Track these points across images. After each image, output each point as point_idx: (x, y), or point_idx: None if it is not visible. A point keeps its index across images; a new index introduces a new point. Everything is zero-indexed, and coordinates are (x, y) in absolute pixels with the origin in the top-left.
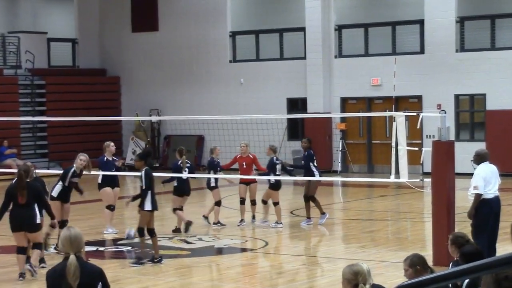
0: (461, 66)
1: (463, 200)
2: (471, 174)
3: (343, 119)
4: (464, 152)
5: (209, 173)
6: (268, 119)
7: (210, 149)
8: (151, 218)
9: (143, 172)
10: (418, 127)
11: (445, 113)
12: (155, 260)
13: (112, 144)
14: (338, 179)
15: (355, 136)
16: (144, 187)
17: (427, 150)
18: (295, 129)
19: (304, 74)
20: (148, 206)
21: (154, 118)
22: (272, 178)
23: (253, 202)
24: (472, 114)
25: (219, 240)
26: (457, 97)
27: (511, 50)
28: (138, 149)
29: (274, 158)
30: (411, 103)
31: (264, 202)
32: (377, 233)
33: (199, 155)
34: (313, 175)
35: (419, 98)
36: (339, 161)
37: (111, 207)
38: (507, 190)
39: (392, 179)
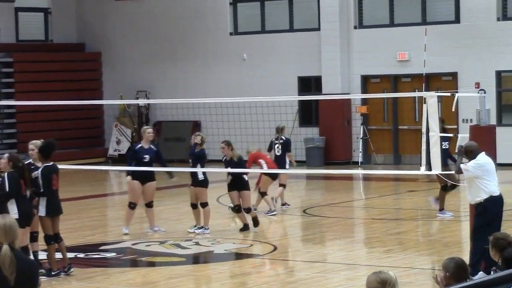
0: (504, 37)
1: (507, 195)
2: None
3: (364, 101)
4: (508, 139)
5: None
6: (276, 102)
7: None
8: (50, 223)
9: (39, 170)
10: (453, 109)
11: (485, 92)
12: (52, 273)
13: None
14: (359, 171)
15: (379, 121)
16: (42, 190)
17: (463, 136)
18: (308, 113)
19: (318, 48)
20: (42, 211)
21: (142, 102)
22: (200, 170)
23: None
24: None
25: (219, 245)
26: (498, 74)
27: None
28: (123, 137)
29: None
30: (444, 81)
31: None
32: (405, 235)
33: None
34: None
35: (454, 75)
36: (360, 150)
37: (131, 205)
38: None
39: (422, 171)
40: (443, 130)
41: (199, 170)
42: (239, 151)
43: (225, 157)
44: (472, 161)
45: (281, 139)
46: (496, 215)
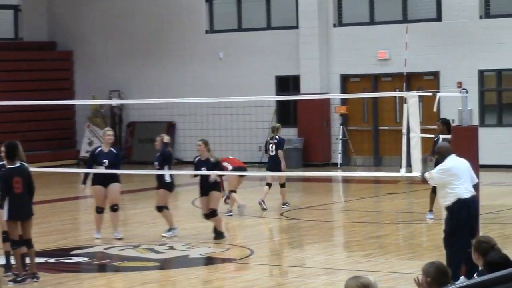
0: (487, 36)
1: (489, 197)
2: (498, 166)
3: (343, 101)
4: (491, 140)
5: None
6: (253, 102)
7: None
8: (14, 227)
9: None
10: (434, 109)
11: (467, 92)
12: (18, 279)
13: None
14: (338, 173)
15: (359, 121)
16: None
17: (445, 137)
18: (286, 114)
19: (296, 47)
20: (5, 214)
21: (115, 102)
22: (167, 172)
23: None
24: (499, 93)
25: (194, 249)
26: (481, 73)
27: None
28: (96, 139)
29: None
30: (426, 81)
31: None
32: (385, 238)
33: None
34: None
35: (436, 74)
36: (340, 152)
37: (98, 210)
38: None
39: (403, 173)
40: (448, 132)
41: (176, 172)
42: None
43: (198, 157)
44: (437, 168)
45: (275, 138)
46: (466, 218)
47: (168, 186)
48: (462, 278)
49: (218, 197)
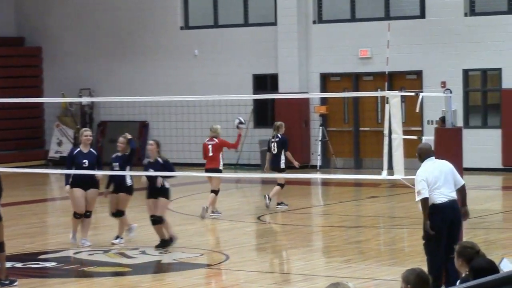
0: (472, 34)
1: (474, 201)
2: (483, 169)
3: (323, 101)
4: (475, 142)
5: None
6: (229, 101)
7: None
8: None
9: None
10: (417, 110)
11: (451, 92)
12: (5, 283)
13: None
14: (318, 176)
15: (339, 122)
16: None
17: (428, 139)
18: (263, 114)
19: (274, 45)
20: None
21: (85, 100)
22: (128, 173)
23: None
24: (484, 94)
25: (167, 254)
26: (466, 72)
27: None
28: (65, 138)
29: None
30: (408, 80)
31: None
32: (365, 243)
33: (142, 146)
34: None
35: (419, 74)
36: (319, 153)
37: (76, 216)
38: None
39: (384, 176)
40: None
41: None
42: (190, 153)
43: (149, 159)
44: (417, 180)
45: (277, 137)
46: (440, 224)
47: (130, 190)
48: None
49: (165, 204)
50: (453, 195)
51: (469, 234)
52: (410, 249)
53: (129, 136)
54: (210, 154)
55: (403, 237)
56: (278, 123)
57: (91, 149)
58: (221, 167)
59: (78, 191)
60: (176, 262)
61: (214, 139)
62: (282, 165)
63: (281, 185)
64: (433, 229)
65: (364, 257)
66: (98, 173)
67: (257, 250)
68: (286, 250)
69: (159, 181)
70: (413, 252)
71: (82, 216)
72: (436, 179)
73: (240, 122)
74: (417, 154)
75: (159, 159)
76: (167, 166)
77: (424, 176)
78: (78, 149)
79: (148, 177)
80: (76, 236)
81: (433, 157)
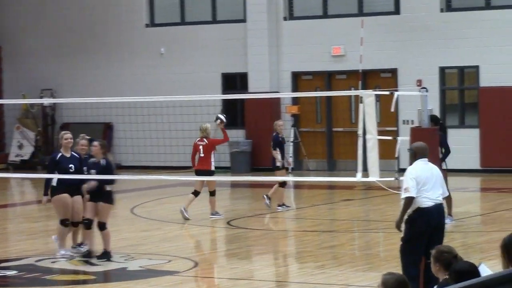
0: (448, 30)
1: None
2: (461, 171)
3: (295, 101)
4: (452, 142)
5: None
6: (197, 101)
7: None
8: None
9: None
10: (392, 110)
11: (427, 91)
12: None
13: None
14: (290, 178)
15: (311, 122)
16: None
17: (404, 139)
18: (232, 114)
19: (244, 42)
20: None
21: (47, 101)
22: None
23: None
24: (462, 92)
25: (133, 261)
26: (442, 70)
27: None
28: (26, 141)
29: None
30: (383, 78)
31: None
32: (340, 248)
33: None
34: None
35: (394, 72)
36: (291, 155)
37: (65, 222)
38: (503, 190)
39: (359, 178)
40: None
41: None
42: (158, 156)
43: (93, 160)
44: (407, 177)
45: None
46: (425, 228)
47: (109, 198)
48: None
49: (106, 209)
50: (440, 200)
51: (447, 237)
52: (386, 253)
53: (87, 137)
54: (202, 154)
55: (378, 242)
56: (280, 121)
57: (73, 153)
58: (213, 168)
59: (67, 197)
60: (142, 269)
61: (204, 139)
62: (277, 163)
63: (282, 184)
64: (415, 231)
65: (338, 263)
66: (78, 177)
67: (227, 256)
68: (258, 255)
69: (89, 186)
70: (389, 257)
71: (70, 223)
72: (427, 181)
73: (221, 121)
74: (410, 152)
75: (102, 161)
76: (108, 168)
77: (415, 174)
78: (60, 153)
79: (88, 179)
80: (65, 244)
81: (426, 159)
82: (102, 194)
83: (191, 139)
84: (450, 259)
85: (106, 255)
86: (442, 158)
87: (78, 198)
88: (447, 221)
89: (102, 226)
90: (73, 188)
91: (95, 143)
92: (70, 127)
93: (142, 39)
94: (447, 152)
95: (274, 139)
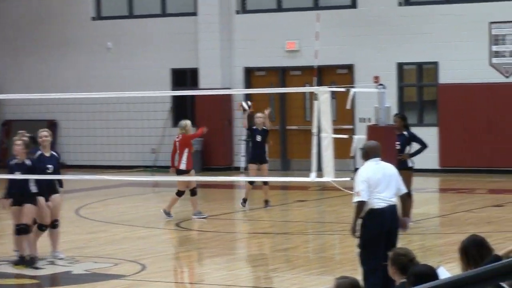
0: (406, 25)
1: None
2: (420, 170)
3: (247, 98)
4: None
5: None
6: (146, 98)
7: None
8: None
9: None
10: (348, 107)
11: (385, 88)
12: None
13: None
14: (242, 178)
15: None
16: None
17: (360, 138)
18: (182, 111)
19: (194, 36)
20: None
21: None
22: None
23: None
24: (420, 89)
25: (78, 264)
26: (400, 66)
27: (473, 3)
28: None
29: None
30: (339, 75)
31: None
32: (293, 251)
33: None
34: None
35: (350, 68)
36: (243, 154)
37: (43, 228)
38: (463, 190)
39: (313, 178)
40: (406, 128)
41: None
42: (103, 155)
43: (15, 160)
44: (358, 180)
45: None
46: (379, 231)
47: (35, 200)
48: None
49: (30, 211)
50: (394, 201)
51: (404, 240)
52: (341, 256)
53: (27, 134)
54: (177, 151)
55: (333, 244)
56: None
57: (53, 152)
58: (182, 167)
59: (43, 200)
60: (87, 273)
61: (181, 135)
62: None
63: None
64: (369, 235)
65: (291, 266)
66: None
67: (176, 260)
68: (208, 259)
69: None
70: (345, 260)
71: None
72: (378, 182)
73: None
74: (362, 152)
75: (26, 161)
76: (34, 168)
77: (366, 176)
78: (40, 152)
79: (12, 181)
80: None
81: (379, 158)
82: (27, 196)
83: (137, 138)
84: (406, 262)
85: (23, 261)
86: (413, 154)
87: (56, 198)
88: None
89: (25, 230)
90: (49, 189)
91: (18, 142)
92: (12, 124)
93: (88, 33)
94: (424, 146)
95: (267, 132)
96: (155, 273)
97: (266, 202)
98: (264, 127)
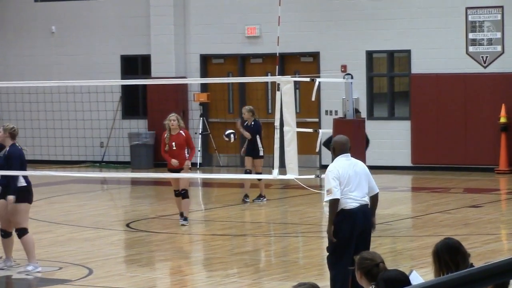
0: (377, 10)
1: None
2: (390, 168)
3: (204, 87)
4: (380, 135)
5: None
6: (93, 87)
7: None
8: None
9: None
10: (313, 98)
11: (353, 78)
12: None
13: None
14: (198, 175)
15: (222, 112)
16: None
17: (326, 132)
18: (133, 102)
19: (146, 21)
20: None
21: None
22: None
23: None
24: (391, 79)
25: (18, 267)
26: (370, 54)
27: None
28: None
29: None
30: (303, 63)
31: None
32: (253, 254)
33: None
34: None
35: (316, 56)
36: (199, 149)
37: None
38: (437, 189)
39: (275, 175)
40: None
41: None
42: (47, 149)
43: None
44: (329, 177)
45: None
46: (350, 233)
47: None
48: None
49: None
50: (366, 200)
51: (374, 242)
52: (305, 261)
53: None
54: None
55: (297, 247)
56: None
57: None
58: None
59: (2, 202)
60: (29, 277)
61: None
62: (261, 152)
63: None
64: (340, 237)
65: (251, 271)
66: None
67: (126, 263)
68: (160, 262)
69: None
70: (309, 264)
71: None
72: (350, 180)
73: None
74: (331, 147)
75: None
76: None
77: (336, 173)
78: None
79: None
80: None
81: (349, 154)
82: None
83: (84, 130)
84: (372, 266)
85: None
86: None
87: (10, 198)
88: None
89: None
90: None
91: None
92: None
93: (30, 15)
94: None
95: (258, 126)
96: (103, 277)
97: (260, 196)
98: (253, 122)
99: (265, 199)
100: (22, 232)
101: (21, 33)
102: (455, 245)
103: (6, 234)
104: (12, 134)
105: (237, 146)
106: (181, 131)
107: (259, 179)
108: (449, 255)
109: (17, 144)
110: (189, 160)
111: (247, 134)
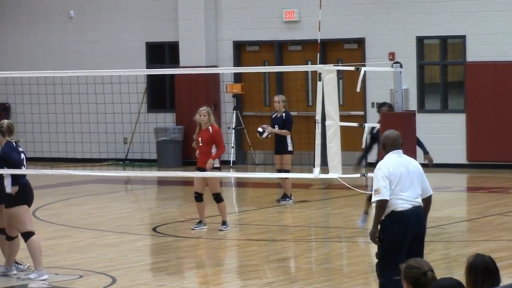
0: None
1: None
2: (443, 166)
3: (237, 77)
4: (432, 130)
5: None
6: (116, 78)
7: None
8: None
9: None
10: (358, 90)
11: (401, 66)
12: None
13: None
14: (231, 174)
15: (258, 105)
16: None
17: (373, 126)
18: (160, 94)
19: (174, 3)
20: None
21: None
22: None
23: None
24: (444, 68)
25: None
26: (420, 41)
27: None
28: None
29: None
30: (347, 50)
31: None
32: (292, 261)
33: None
34: None
35: (360, 43)
36: (232, 145)
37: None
38: (495, 189)
39: (316, 174)
40: None
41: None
42: (65, 145)
43: None
44: (378, 176)
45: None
46: (402, 237)
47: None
48: None
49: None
50: (419, 201)
51: (426, 248)
52: (350, 268)
53: None
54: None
55: (341, 253)
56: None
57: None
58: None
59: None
60: (47, 286)
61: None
62: (290, 147)
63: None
64: (391, 242)
65: (290, 279)
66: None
67: (152, 271)
68: (190, 270)
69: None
70: (354, 272)
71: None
72: (401, 179)
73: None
74: (381, 143)
75: None
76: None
77: (386, 171)
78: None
79: None
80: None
81: (401, 151)
82: None
83: (107, 125)
84: (419, 276)
85: None
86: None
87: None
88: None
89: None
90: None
91: None
92: None
93: (46, 0)
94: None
95: (289, 118)
96: (127, 287)
97: (285, 196)
98: (283, 113)
99: (291, 200)
100: (25, 236)
101: (36, 18)
102: (485, 262)
103: (9, 238)
104: (1, 131)
105: (273, 142)
106: (209, 127)
107: (285, 178)
108: (478, 274)
109: (12, 141)
110: (212, 159)
111: (286, 132)
